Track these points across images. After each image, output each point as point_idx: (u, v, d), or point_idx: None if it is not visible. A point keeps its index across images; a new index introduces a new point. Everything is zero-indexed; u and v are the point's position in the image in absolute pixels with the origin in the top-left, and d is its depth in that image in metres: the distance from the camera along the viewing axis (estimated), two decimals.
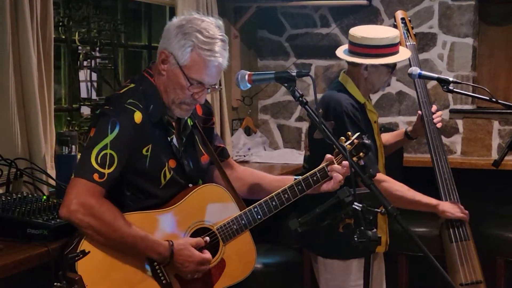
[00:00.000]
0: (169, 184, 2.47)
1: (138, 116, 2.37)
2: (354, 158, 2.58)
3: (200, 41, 2.38)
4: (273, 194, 2.56)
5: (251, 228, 2.56)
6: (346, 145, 2.58)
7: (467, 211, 3.38)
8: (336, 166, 2.57)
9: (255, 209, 2.54)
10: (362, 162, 2.62)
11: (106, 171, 2.29)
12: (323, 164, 2.59)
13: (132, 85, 2.48)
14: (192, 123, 2.60)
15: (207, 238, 2.47)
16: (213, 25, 2.43)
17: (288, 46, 5.50)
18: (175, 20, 2.46)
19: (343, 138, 2.59)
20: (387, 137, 3.58)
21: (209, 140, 2.67)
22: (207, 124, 2.71)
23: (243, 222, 2.54)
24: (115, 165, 2.31)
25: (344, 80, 3.23)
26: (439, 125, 3.48)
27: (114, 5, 4.31)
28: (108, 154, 2.30)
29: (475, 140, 5.10)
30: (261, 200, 2.56)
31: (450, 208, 3.35)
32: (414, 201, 3.19)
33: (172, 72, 2.42)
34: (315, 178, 2.58)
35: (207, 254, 2.45)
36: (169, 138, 2.49)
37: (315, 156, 2.89)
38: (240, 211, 2.56)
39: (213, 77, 2.44)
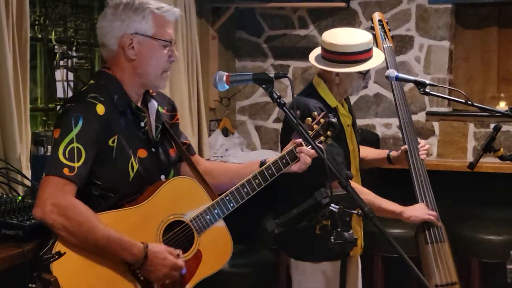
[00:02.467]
0: (138, 176, 2.46)
1: (100, 108, 2.38)
2: (322, 138, 2.60)
3: (152, 5, 2.47)
4: (244, 181, 2.56)
5: (224, 216, 2.56)
6: (313, 125, 2.59)
7: (434, 213, 3.39)
8: (305, 148, 2.58)
9: (227, 198, 2.55)
10: (330, 141, 2.64)
11: (76, 164, 2.29)
12: (291, 146, 2.61)
13: (92, 81, 2.50)
14: (163, 110, 2.61)
15: (180, 251, 2.46)
16: None
17: (266, 47, 5.51)
18: (108, 11, 2.48)
19: (309, 118, 2.61)
20: (367, 152, 3.57)
21: (175, 136, 2.68)
22: (172, 120, 2.73)
23: (216, 211, 2.54)
24: (83, 158, 2.31)
25: (316, 83, 3.22)
26: (423, 157, 3.50)
27: (91, 4, 4.29)
28: (75, 148, 2.30)
29: (451, 142, 5.14)
30: (233, 188, 2.56)
31: (415, 212, 3.34)
32: (380, 209, 3.19)
33: (145, 47, 2.46)
34: (284, 161, 2.59)
35: (180, 261, 2.44)
36: (142, 123, 2.50)
37: None
38: (213, 201, 2.56)
39: (173, 29, 2.54)
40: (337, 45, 3.10)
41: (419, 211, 3.35)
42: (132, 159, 2.44)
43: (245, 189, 2.55)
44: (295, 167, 2.61)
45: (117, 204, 2.42)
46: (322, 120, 2.61)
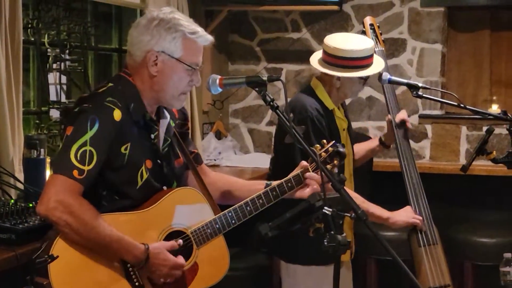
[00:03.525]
0: (145, 185, 2.47)
1: (117, 114, 2.38)
2: (329, 166, 2.60)
3: (186, 28, 2.46)
4: (247, 199, 2.57)
5: (225, 232, 2.57)
6: (321, 153, 2.60)
7: (419, 217, 3.39)
8: (313, 174, 2.60)
9: (230, 214, 2.55)
10: (336, 170, 2.65)
11: (86, 167, 2.29)
12: (298, 171, 2.62)
13: (111, 84, 2.49)
14: (174, 124, 2.61)
15: (180, 241, 2.47)
16: (178, 12, 2.52)
17: (259, 50, 5.51)
18: (142, 22, 2.48)
19: (318, 145, 2.62)
20: (361, 147, 3.58)
21: (184, 145, 2.68)
22: (183, 129, 2.73)
23: (217, 226, 2.54)
24: (94, 161, 2.31)
25: (315, 85, 3.24)
26: (409, 125, 3.51)
27: (84, 7, 4.28)
28: (88, 151, 2.30)
29: (443, 145, 5.15)
30: (236, 205, 2.57)
31: (402, 216, 3.35)
32: (368, 213, 3.17)
33: (168, 68, 2.45)
34: (289, 184, 2.60)
35: (180, 259, 2.45)
36: (152, 136, 2.50)
37: (279, 159, 2.91)
38: (215, 215, 2.57)
39: (202, 55, 2.54)
40: (341, 50, 3.11)
41: (405, 215, 3.36)
42: (143, 167, 2.46)
43: (248, 208, 2.56)
44: (300, 193, 2.61)
45: (120, 208, 2.42)
46: (330, 149, 2.62)
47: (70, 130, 2.34)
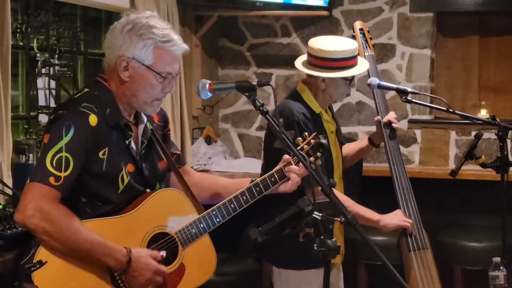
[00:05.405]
0: (127, 189, 2.46)
1: (93, 119, 2.36)
2: (311, 158, 2.61)
3: (159, 35, 2.41)
4: (231, 196, 2.56)
5: (210, 231, 2.56)
6: (303, 145, 2.60)
7: (410, 220, 3.40)
8: (293, 167, 2.59)
9: (214, 212, 2.54)
10: (319, 162, 2.65)
11: (62, 174, 2.28)
12: (280, 165, 2.61)
13: (87, 89, 2.48)
14: (151, 127, 2.60)
15: (164, 253, 2.46)
16: (155, 17, 2.47)
17: (249, 55, 5.52)
18: (117, 26, 2.46)
19: (300, 138, 2.62)
20: (351, 147, 3.59)
21: (166, 147, 2.67)
22: (164, 131, 2.72)
23: (201, 225, 2.53)
24: (71, 168, 2.29)
25: (301, 89, 3.25)
26: (394, 125, 3.50)
27: (74, 12, 4.27)
28: (64, 157, 2.29)
29: (432, 150, 5.17)
30: (220, 203, 2.56)
31: (392, 219, 3.35)
32: (358, 216, 3.17)
33: (139, 75, 2.43)
34: (273, 179, 2.59)
35: (162, 266, 2.43)
36: (127, 142, 2.48)
37: (270, 165, 2.91)
38: (199, 214, 2.55)
39: (178, 64, 2.50)
40: (325, 51, 3.13)
41: (395, 218, 3.36)
42: (123, 171, 2.44)
43: (232, 205, 2.55)
44: (284, 187, 2.60)
45: (103, 213, 2.41)
46: (312, 141, 2.62)
47: (46, 138, 2.33)
